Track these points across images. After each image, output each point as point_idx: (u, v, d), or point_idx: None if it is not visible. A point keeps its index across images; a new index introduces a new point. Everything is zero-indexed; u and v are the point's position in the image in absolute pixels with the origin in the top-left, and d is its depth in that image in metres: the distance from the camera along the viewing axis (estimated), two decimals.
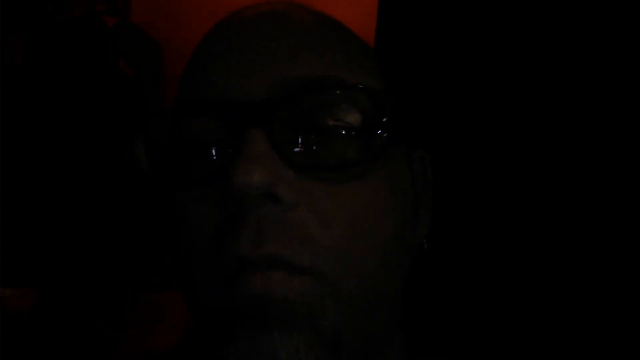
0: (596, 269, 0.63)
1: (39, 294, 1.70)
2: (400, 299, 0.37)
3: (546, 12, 0.70)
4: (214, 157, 0.32)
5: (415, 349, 0.41)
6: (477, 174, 0.72)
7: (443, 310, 0.68)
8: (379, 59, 0.39)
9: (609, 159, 0.63)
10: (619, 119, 0.62)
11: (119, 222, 1.87)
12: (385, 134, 0.32)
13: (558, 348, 0.63)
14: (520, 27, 0.71)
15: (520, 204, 0.69)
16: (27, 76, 1.91)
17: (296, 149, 0.31)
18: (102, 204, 1.86)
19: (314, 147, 0.31)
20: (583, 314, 0.63)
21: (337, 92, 0.32)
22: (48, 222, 1.82)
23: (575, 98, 0.67)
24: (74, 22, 2.01)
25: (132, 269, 1.87)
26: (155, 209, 0.36)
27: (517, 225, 0.69)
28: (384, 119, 0.32)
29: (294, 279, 0.29)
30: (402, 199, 0.36)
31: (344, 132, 0.32)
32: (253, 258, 0.29)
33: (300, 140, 0.31)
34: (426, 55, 0.77)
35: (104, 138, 1.88)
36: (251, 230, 0.29)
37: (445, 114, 0.73)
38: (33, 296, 1.69)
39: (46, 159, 1.84)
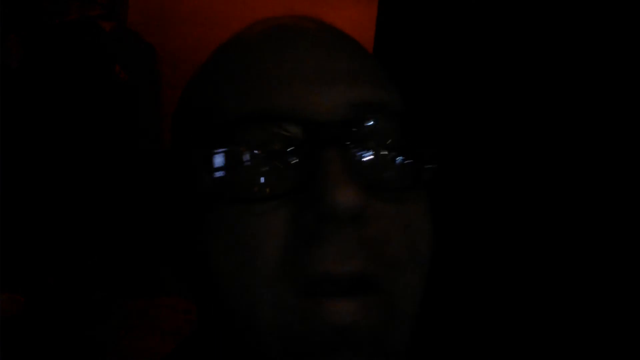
0: (592, 272, 0.63)
1: (28, 298, 1.68)
2: None
3: (541, 20, 0.70)
4: (283, 173, 0.31)
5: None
6: (472, 178, 0.72)
7: (438, 312, 0.68)
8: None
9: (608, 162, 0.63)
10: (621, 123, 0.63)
11: (110, 228, 1.86)
12: (433, 158, 0.34)
13: (555, 349, 0.63)
14: (514, 45, 0.72)
15: (512, 210, 0.69)
16: (23, 78, 1.90)
17: (365, 171, 0.32)
18: (93, 210, 1.85)
19: (378, 169, 0.33)
20: (579, 315, 0.63)
21: (398, 118, 0.33)
22: (39, 228, 1.80)
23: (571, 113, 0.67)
24: (70, 26, 2.01)
25: (121, 275, 1.86)
26: (185, 221, 0.34)
27: (509, 229, 0.69)
28: (429, 144, 0.34)
29: (372, 305, 0.30)
30: (431, 216, 0.37)
31: (400, 156, 0.33)
32: (337, 275, 0.29)
33: (367, 162, 0.32)
34: (423, 66, 0.77)
35: (97, 143, 1.88)
36: (338, 247, 0.30)
37: (444, 122, 0.74)
38: (23, 301, 1.67)
39: (39, 165, 1.83)
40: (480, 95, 0.75)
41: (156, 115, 2.06)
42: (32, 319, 1.64)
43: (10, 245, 1.62)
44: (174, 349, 0.38)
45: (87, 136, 1.87)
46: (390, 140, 0.33)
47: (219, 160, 0.31)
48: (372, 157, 0.32)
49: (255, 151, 0.31)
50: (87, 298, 1.74)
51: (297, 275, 0.30)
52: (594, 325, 0.63)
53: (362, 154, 0.32)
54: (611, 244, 0.63)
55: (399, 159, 0.33)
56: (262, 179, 0.31)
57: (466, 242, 0.72)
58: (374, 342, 0.30)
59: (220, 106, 0.33)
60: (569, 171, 0.68)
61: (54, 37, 2.00)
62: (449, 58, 0.77)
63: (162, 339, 1.73)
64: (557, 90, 0.70)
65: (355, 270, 0.30)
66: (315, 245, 0.30)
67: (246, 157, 0.31)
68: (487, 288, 0.70)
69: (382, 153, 0.33)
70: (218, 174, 0.31)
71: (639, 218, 0.62)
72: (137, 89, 2.03)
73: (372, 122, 0.32)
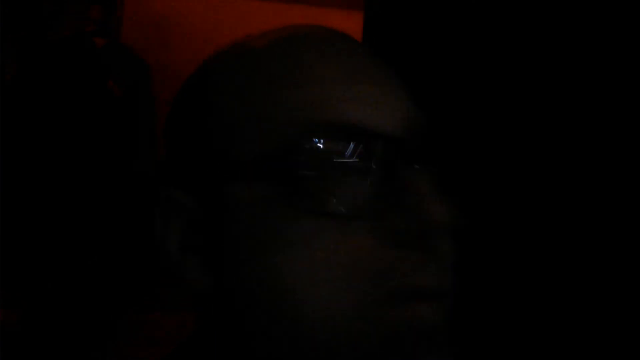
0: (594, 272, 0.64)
1: (26, 309, 1.67)
2: None
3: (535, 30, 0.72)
4: (365, 188, 0.31)
5: None
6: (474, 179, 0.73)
7: None
8: None
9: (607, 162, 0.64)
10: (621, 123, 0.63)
11: (107, 242, 1.86)
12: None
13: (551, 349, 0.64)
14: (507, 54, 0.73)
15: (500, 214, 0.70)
16: (17, 92, 1.91)
17: (445, 186, 0.32)
18: (91, 223, 1.85)
19: (444, 183, 0.34)
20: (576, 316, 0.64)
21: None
22: (38, 239, 1.80)
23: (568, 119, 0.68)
24: (64, 42, 2.02)
25: (118, 290, 1.85)
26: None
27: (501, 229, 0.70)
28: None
29: (437, 310, 0.31)
30: None
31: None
32: (435, 289, 0.30)
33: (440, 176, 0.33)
34: (409, 76, 0.78)
35: (92, 155, 1.88)
36: (437, 262, 0.30)
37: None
38: (20, 312, 1.66)
39: (35, 176, 1.83)
40: (470, 102, 0.76)
41: (151, 130, 2.07)
42: (29, 331, 1.63)
43: (9, 258, 1.61)
44: (169, 353, 0.38)
45: (83, 150, 1.87)
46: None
47: (295, 170, 0.30)
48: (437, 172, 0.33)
49: (333, 163, 0.30)
50: (85, 310, 1.73)
51: (387, 288, 0.29)
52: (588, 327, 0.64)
53: (434, 170, 0.33)
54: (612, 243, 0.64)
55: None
56: (345, 193, 0.30)
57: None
58: (450, 343, 0.31)
59: (283, 117, 0.32)
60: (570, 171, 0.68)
61: (48, 52, 2.01)
62: (436, 67, 0.79)
63: (156, 352, 1.72)
64: (551, 95, 0.71)
65: (450, 283, 0.31)
66: (411, 260, 0.30)
67: (324, 168, 0.30)
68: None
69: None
70: (296, 184, 0.30)
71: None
72: (130, 104, 2.04)
73: (440, 140, 0.34)
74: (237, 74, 0.34)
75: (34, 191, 1.83)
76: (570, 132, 0.69)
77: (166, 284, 1.53)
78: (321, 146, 0.31)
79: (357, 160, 0.31)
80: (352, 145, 0.31)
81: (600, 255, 0.65)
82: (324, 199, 0.30)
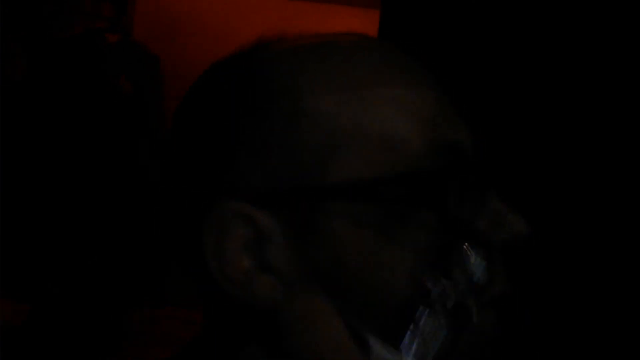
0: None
1: (33, 307, 1.69)
2: None
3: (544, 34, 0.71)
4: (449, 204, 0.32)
5: None
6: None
7: None
8: None
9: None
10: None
11: (115, 237, 1.87)
12: None
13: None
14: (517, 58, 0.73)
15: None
16: (28, 89, 1.92)
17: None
18: (99, 219, 1.86)
19: None
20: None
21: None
22: (44, 235, 1.81)
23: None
24: (76, 38, 2.03)
25: (128, 284, 1.86)
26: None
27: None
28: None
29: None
30: None
31: None
32: (508, 298, 0.33)
33: None
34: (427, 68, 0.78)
35: (102, 153, 1.89)
36: (510, 272, 0.33)
37: None
38: (27, 309, 1.67)
39: (43, 174, 1.84)
40: (487, 104, 0.75)
41: (161, 126, 2.08)
42: (35, 328, 1.64)
43: (13, 253, 1.63)
44: (174, 354, 0.38)
45: (92, 146, 1.88)
46: None
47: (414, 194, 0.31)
48: None
49: (445, 187, 0.31)
50: (91, 307, 1.74)
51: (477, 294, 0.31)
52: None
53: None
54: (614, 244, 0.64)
55: None
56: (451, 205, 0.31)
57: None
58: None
59: (399, 136, 0.31)
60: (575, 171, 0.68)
61: (59, 48, 2.02)
62: (452, 69, 0.78)
63: (165, 349, 1.72)
64: (561, 96, 0.70)
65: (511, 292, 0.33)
66: (496, 270, 0.32)
67: (438, 193, 0.31)
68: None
69: None
70: (409, 208, 0.31)
71: None
72: (142, 101, 2.05)
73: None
74: (336, 78, 0.32)
75: (44, 186, 1.84)
76: (569, 138, 0.68)
77: (175, 280, 1.54)
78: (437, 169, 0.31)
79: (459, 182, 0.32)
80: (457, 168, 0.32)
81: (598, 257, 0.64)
82: (436, 224, 0.31)
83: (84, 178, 1.86)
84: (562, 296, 0.69)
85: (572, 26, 0.71)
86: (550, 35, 0.71)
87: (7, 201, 1.61)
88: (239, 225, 0.31)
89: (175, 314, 1.96)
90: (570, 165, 0.70)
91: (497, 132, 0.73)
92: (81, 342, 1.63)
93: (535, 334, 0.67)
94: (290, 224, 0.31)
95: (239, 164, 0.32)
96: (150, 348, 1.77)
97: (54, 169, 1.85)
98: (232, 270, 0.31)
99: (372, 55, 0.34)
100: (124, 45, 2.15)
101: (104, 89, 1.97)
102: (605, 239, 0.66)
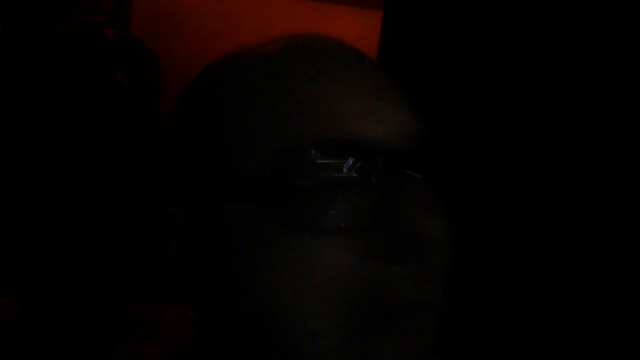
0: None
1: (27, 303, 1.68)
2: None
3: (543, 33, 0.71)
4: (360, 202, 0.31)
5: None
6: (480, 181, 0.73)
7: None
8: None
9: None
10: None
11: (109, 233, 1.86)
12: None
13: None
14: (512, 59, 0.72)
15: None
16: (27, 84, 1.91)
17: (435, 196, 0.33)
18: (93, 215, 1.85)
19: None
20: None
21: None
22: (39, 230, 1.81)
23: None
24: (74, 32, 2.02)
25: (122, 280, 1.85)
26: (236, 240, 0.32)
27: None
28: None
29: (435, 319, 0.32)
30: None
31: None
32: (426, 301, 0.30)
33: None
34: (427, 76, 0.78)
35: (99, 148, 1.88)
36: (429, 274, 0.30)
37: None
38: (22, 306, 1.67)
39: (40, 169, 1.84)
40: (486, 103, 0.75)
41: (157, 122, 2.07)
42: (30, 323, 1.64)
43: (9, 248, 1.62)
44: (173, 356, 0.37)
45: (89, 141, 1.87)
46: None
47: (290, 186, 0.30)
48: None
49: (328, 178, 0.30)
50: (86, 303, 1.74)
51: (375, 301, 0.30)
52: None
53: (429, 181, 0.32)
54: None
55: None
56: (341, 208, 0.30)
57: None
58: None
59: (281, 132, 0.31)
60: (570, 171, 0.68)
61: (57, 43, 2.01)
62: (453, 67, 0.78)
63: (160, 345, 1.72)
64: (560, 99, 0.70)
65: (440, 294, 0.31)
66: (404, 272, 0.30)
67: (320, 183, 0.30)
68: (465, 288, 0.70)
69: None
70: (291, 201, 0.30)
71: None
72: (139, 96, 2.04)
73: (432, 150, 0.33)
74: (239, 87, 0.34)
75: (41, 181, 1.84)
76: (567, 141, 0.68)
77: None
78: (319, 161, 0.30)
79: (355, 174, 0.31)
80: (350, 160, 0.31)
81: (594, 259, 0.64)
82: (318, 215, 0.30)
83: (78, 173, 1.85)
84: (562, 295, 0.69)
85: (571, 26, 0.70)
86: (554, 37, 0.70)
87: (2, 196, 1.60)
88: (171, 225, 0.34)
89: (170, 310, 1.95)
90: (570, 165, 0.70)
91: (498, 130, 0.73)
92: (75, 339, 1.63)
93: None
94: (207, 223, 0.33)
95: (175, 168, 0.35)
96: (145, 345, 1.77)
97: (47, 165, 1.85)
98: (167, 271, 0.34)
99: (292, 58, 0.34)
100: (122, 39, 2.14)
101: (102, 84, 1.97)
102: (605, 239, 0.66)
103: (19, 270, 1.71)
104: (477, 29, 0.77)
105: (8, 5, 1.85)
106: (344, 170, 0.30)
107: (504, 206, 0.71)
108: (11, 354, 1.49)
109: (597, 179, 0.66)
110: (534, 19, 0.72)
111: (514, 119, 0.73)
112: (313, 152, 0.30)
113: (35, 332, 1.62)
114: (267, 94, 0.32)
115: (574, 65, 0.69)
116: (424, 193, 0.30)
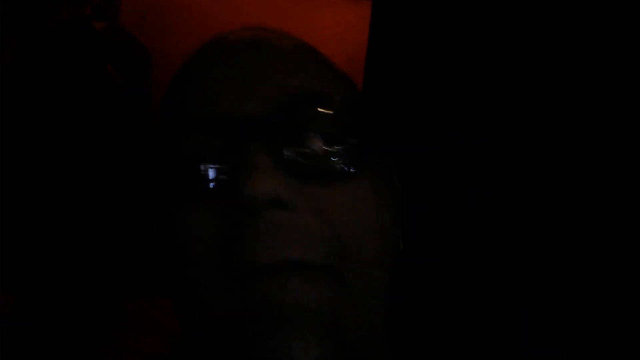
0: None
1: (21, 298, 1.68)
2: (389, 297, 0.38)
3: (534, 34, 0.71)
4: (215, 172, 0.33)
5: (396, 349, 0.42)
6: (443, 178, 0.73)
7: (421, 307, 0.69)
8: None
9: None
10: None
11: (104, 227, 1.86)
12: (363, 142, 0.36)
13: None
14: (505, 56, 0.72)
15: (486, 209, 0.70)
16: (18, 78, 1.90)
17: (293, 159, 0.33)
18: (88, 209, 1.85)
19: (308, 156, 0.34)
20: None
21: (323, 104, 0.35)
22: (35, 225, 1.80)
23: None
24: (62, 24, 2.00)
25: (117, 274, 1.85)
26: (151, 221, 0.36)
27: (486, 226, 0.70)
28: (360, 129, 0.36)
29: (309, 283, 0.30)
30: (387, 201, 0.39)
31: (331, 142, 0.34)
32: (267, 264, 0.30)
33: (296, 150, 0.34)
34: (416, 66, 0.78)
35: (91, 143, 1.87)
36: (263, 237, 0.30)
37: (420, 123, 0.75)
38: (15, 300, 1.67)
39: (33, 165, 1.83)
40: (476, 95, 0.75)
41: (148, 115, 2.06)
42: (25, 317, 1.63)
43: (5, 244, 1.61)
44: (170, 349, 0.38)
45: (79, 136, 1.86)
46: (332, 128, 0.35)
47: (167, 160, 0.34)
48: (303, 145, 0.34)
49: (193, 156, 0.34)
50: (81, 297, 1.74)
51: (232, 268, 0.31)
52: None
53: (291, 145, 0.33)
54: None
55: (336, 143, 0.34)
56: (196, 181, 0.33)
57: (440, 244, 0.73)
58: (323, 324, 0.30)
59: (173, 115, 0.36)
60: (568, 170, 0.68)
61: (46, 36, 1.99)
62: (442, 58, 0.78)
63: (156, 339, 1.73)
64: (552, 95, 0.70)
65: (285, 257, 0.31)
66: (242, 239, 0.31)
67: (183, 162, 0.34)
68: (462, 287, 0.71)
69: (322, 141, 0.34)
70: (169, 173, 0.34)
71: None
72: (129, 88, 2.03)
73: (306, 112, 0.34)
74: (185, 64, 0.39)
75: (35, 178, 1.83)
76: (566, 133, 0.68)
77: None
78: (197, 139, 0.34)
79: (215, 145, 0.33)
80: (205, 138, 0.34)
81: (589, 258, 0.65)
82: (182, 187, 0.33)
83: (73, 168, 1.84)
84: (561, 295, 0.70)
85: (571, 26, 0.70)
86: (555, 37, 0.71)
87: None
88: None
89: (166, 304, 1.95)
90: (570, 165, 0.70)
91: (491, 123, 0.73)
92: (71, 332, 1.63)
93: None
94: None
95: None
96: (141, 338, 1.77)
97: (40, 161, 1.84)
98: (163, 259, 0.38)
99: (217, 52, 0.39)
100: (111, 32, 2.12)
101: (92, 77, 1.95)
102: (605, 239, 0.67)
103: (14, 264, 1.71)
104: (468, 19, 0.77)
105: (8, 11, 1.83)
106: (202, 142, 0.34)
107: (504, 206, 0.72)
108: (6, 348, 1.49)
109: (597, 179, 0.66)
110: (532, 16, 0.72)
111: (514, 119, 0.73)
112: (189, 132, 0.34)
113: (29, 326, 1.62)
114: (184, 75, 0.38)
115: (574, 65, 0.69)
116: (257, 157, 0.31)
